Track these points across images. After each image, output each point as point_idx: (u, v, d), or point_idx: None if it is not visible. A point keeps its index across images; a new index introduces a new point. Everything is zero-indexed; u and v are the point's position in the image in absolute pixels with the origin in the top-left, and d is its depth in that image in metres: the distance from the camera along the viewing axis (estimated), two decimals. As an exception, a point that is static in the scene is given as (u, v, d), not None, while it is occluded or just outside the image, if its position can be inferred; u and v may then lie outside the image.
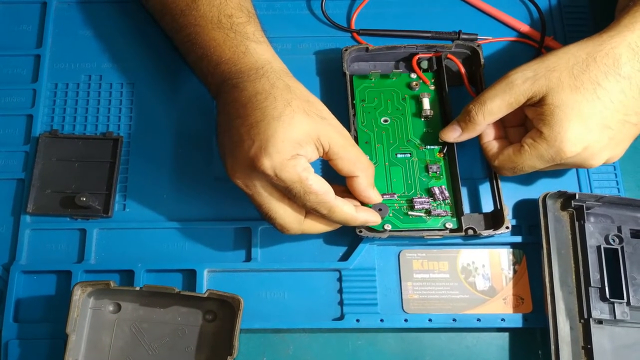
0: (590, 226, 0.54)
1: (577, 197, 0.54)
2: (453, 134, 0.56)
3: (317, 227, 0.52)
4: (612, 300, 0.52)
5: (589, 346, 0.51)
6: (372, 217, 0.52)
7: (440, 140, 0.57)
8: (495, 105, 0.52)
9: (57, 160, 0.59)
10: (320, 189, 0.48)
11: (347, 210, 0.50)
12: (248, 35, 0.54)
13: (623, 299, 0.52)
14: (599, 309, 0.52)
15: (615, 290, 0.52)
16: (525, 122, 0.56)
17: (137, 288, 0.51)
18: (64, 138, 0.60)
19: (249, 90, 0.50)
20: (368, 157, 0.54)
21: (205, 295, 0.51)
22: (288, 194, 0.49)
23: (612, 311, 0.52)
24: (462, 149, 0.58)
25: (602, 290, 0.52)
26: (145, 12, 0.64)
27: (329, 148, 0.50)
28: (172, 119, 0.61)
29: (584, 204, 0.54)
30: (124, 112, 0.62)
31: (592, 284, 0.52)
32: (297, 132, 0.48)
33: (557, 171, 0.59)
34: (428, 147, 0.58)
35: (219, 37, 0.54)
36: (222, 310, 0.52)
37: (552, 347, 0.51)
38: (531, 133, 0.52)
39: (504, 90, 0.52)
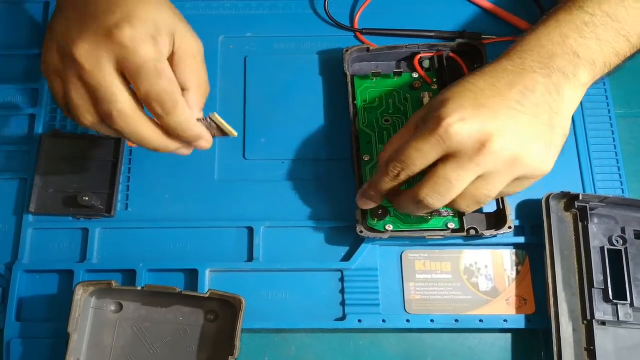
0: (593, 227, 0.54)
1: (580, 198, 0.54)
2: (368, 203, 0.53)
3: (145, 130, 0.47)
4: (615, 301, 0.52)
5: (591, 348, 0.51)
6: (206, 134, 0.49)
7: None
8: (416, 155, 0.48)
9: (60, 160, 0.59)
10: (173, 77, 0.46)
11: (189, 113, 0.47)
12: None
13: (626, 300, 0.52)
14: (602, 311, 0.52)
15: (619, 292, 0.52)
16: None
17: (139, 288, 0.51)
18: (66, 137, 0.60)
19: None
20: (208, 80, 0.51)
21: (207, 295, 0.51)
22: (136, 75, 0.44)
23: (616, 312, 0.52)
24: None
25: (605, 291, 0.52)
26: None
27: (179, 49, 0.48)
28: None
29: (587, 205, 0.54)
30: (127, 112, 0.62)
31: (595, 285, 0.52)
32: (161, 17, 0.46)
33: (560, 171, 0.58)
34: (430, 147, 0.58)
35: None
36: (224, 310, 0.52)
37: (555, 348, 0.51)
38: None
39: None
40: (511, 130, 0.46)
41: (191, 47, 0.48)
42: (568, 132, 0.49)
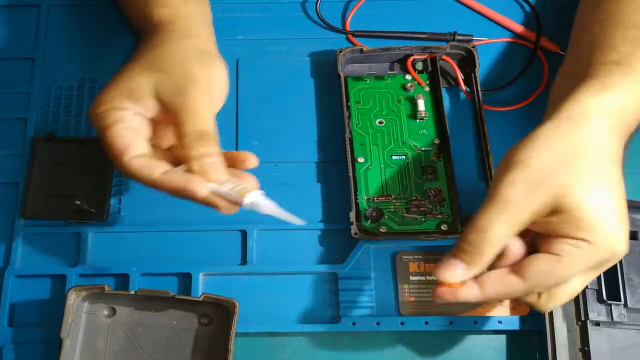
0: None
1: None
2: (456, 273, 0.44)
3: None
4: (609, 302, 0.52)
5: (586, 348, 0.51)
6: (181, 181, 0.45)
7: (439, 280, 0.45)
8: (499, 231, 0.42)
9: (52, 164, 0.59)
10: (113, 143, 0.46)
11: (144, 173, 0.46)
12: (153, 1, 0.54)
13: (620, 300, 0.52)
14: (596, 311, 0.52)
15: (612, 292, 0.52)
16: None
17: (132, 292, 0.51)
18: (58, 141, 0.59)
19: (138, 45, 0.52)
20: (201, 125, 0.47)
21: (201, 299, 0.51)
22: None
23: (609, 313, 0.52)
24: (458, 151, 0.58)
25: (598, 292, 0.52)
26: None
27: (165, 106, 0.47)
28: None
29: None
30: (119, 115, 0.61)
31: (588, 286, 0.52)
32: (124, 85, 0.47)
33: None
34: (423, 148, 0.58)
35: (134, 5, 0.57)
36: (218, 314, 0.52)
37: (550, 349, 0.51)
38: (561, 242, 0.43)
39: (503, 214, 0.42)
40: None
41: (173, 93, 0.47)
42: None
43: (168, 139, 0.50)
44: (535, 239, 0.45)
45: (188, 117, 0.46)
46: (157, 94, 0.47)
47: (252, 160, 0.49)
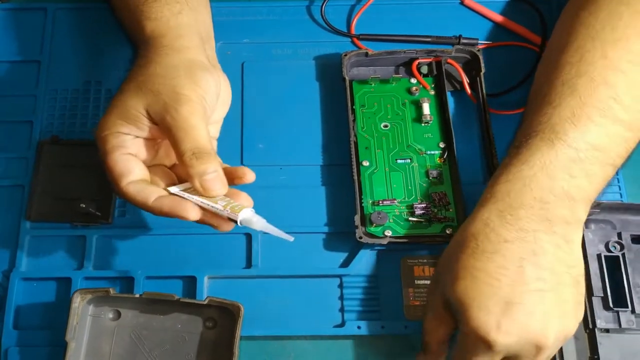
0: (589, 234, 0.54)
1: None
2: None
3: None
4: (615, 309, 0.51)
5: (595, 357, 0.51)
6: (172, 206, 0.47)
7: None
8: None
9: (58, 167, 0.59)
10: (112, 168, 0.47)
11: (139, 198, 0.47)
12: (143, 14, 0.54)
13: (627, 307, 0.51)
14: (603, 319, 0.52)
15: (619, 299, 0.52)
16: None
17: (137, 295, 0.51)
18: (64, 144, 0.60)
19: (134, 63, 0.52)
20: (198, 141, 0.47)
21: (206, 303, 0.51)
22: None
23: (617, 320, 0.51)
24: (463, 154, 0.58)
25: (604, 299, 0.52)
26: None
27: (159, 125, 0.48)
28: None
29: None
30: (124, 118, 0.61)
31: (594, 294, 0.52)
32: (121, 107, 0.48)
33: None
34: (428, 152, 0.58)
35: (126, 19, 0.58)
36: (223, 318, 0.52)
37: (559, 359, 0.51)
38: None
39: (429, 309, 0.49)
40: (552, 318, 0.44)
41: (167, 113, 0.47)
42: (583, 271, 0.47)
43: (171, 156, 0.51)
44: None
45: (182, 136, 0.47)
46: (150, 116, 0.48)
47: (249, 176, 0.50)
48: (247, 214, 0.47)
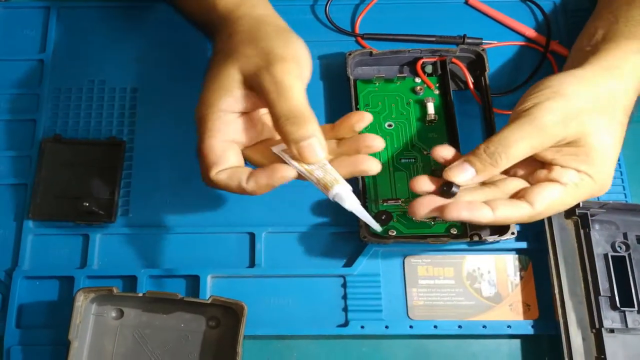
0: (596, 234, 0.54)
1: (581, 205, 0.54)
2: (464, 175, 0.47)
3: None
4: (622, 309, 0.51)
5: (602, 357, 0.50)
6: (265, 177, 0.45)
7: (446, 178, 0.48)
8: (521, 149, 0.46)
9: (61, 165, 0.59)
10: (205, 156, 0.46)
11: (233, 184, 0.46)
12: None
13: (634, 307, 0.51)
14: (610, 319, 0.51)
15: (626, 299, 0.52)
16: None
17: (140, 294, 0.51)
18: (67, 143, 0.60)
19: (216, 39, 0.52)
20: (294, 102, 0.45)
21: (209, 302, 0.51)
22: None
23: (624, 320, 0.51)
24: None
25: (612, 299, 0.52)
26: (150, 16, 0.65)
27: (255, 88, 0.46)
28: (176, 123, 0.61)
29: (588, 212, 0.54)
30: (127, 117, 0.61)
31: (601, 293, 0.52)
32: (216, 80, 0.47)
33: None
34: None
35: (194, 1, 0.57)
36: (226, 317, 0.52)
37: (566, 358, 0.51)
38: (569, 173, 0.47)
39: (533, 135, 0.46)
40: None
41: (262, 79, 0.45)
42: None
43: (266, 131, 0.49)
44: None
45: (276, 98, 0.44)
46: (244, 80, 0.46)
47: (366, 118, 0.47)
48: (341, 190, 0.45)
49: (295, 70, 0.46)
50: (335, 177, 0.45)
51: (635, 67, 0.50)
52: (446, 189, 0.47)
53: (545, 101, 0.47)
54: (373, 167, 0.46)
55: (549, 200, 0.47)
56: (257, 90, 0.46)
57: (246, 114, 0.48)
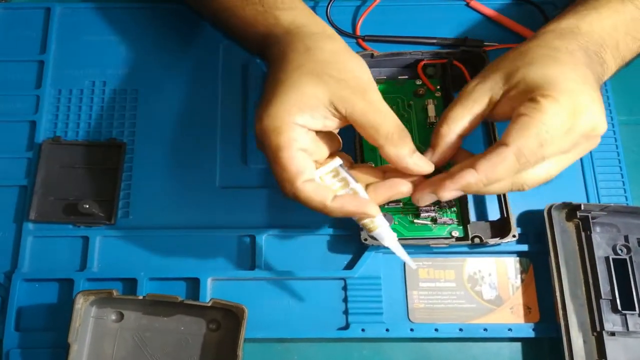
0: (597, 237, 0.53)
1: (582, 207, 0.54)
2: (424, 164, 0.48)
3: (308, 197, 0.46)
4: (624, 312, 0.51)
5: (603, 359, 0.50)
6: (352, 206, 0.46)
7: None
8: (457, 112, 0.47)
9: (60, 167, 0.59)
10: (288, 165, 0.44)
11: (318, 198, 0.45)
12: (276, 5, 0.53)
13: (635, 310, 0.51)
14: (611, 321, 0.51)
15: (627, 302, 0.52)
16: None
17: (140, 297, 0.51)
18: (67, 144, 0.59)
19: (274, 56, 0.50)
20: (396, 121, 0.47)
21: (209, 305, 0.50)
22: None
23: (625, 323, 0.51)
24: (468, 157, 0.58)
25: (613, 302, 0.52)
26: (151, 17, 0.65)
27: (346, 113, 0.46)
28: (176, 125, 0.61)
29: (589, 214, 0.54)
30: (128, 118, 0.61)
31: (602, 296, 0.52)
32: (299, 96, 0.46)
33: (563, 180, 0.57)
34: (434, 154, 0.58)
35: (250, 14, 0.53)
36: (226, 320, 0.52)
37: (568, 361, 0.51)
38: (527, 104, 0.44)
39: (463, 98, 0.48)
40: None
41: (356, 106, 0.46)
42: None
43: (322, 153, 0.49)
44: None
45: (382, 119, 0.46)
46: (335, 104, 0.46)
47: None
48: (383, 230, 0.47)
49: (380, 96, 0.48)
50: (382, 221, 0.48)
51: (591, 27, 0.50)
52: None
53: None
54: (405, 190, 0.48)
55: (519, 131, 0.43)
56: (350, 114, 0.46)
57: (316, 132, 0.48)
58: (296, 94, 0.46)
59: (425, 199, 0.47)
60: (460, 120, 0.47)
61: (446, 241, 0.54)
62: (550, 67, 0.45)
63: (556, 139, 0.44)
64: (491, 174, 0.44)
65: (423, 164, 0.47)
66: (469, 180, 0.45)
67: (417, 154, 0.47)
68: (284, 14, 0.52)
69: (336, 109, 0.46)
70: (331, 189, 0.47)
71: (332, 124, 0.47)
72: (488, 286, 0.55)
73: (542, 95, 0.44)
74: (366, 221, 0.47)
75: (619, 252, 0.53)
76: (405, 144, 0.47)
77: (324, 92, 0.46)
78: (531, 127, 0.43)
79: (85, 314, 0.51)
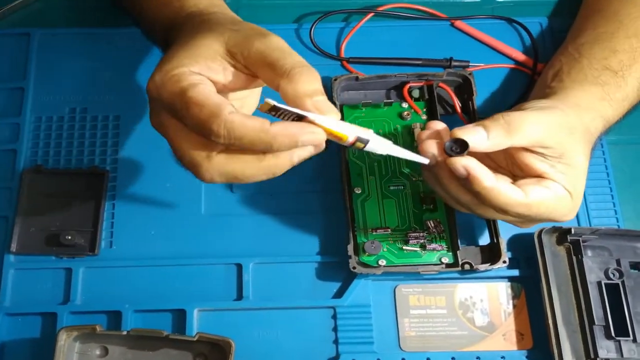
0: (588, 261, 0.53)
1: (572, 231, 0.53)
2: (475, 136, 0.46)
3: (233, 165, 0.41)
4: (617, 338, 0.51)
5: (598, 387, 0.50)
6: (291, 130, 0.39)
7: (454, 136, 0.46)
8: (536, 131, 0.47)
9: (42, 197, 0.57)
10: (204, 99, 0.38)
11: (253, 123, 0.38)
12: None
13: (629, 336, 0.51)
14: (605, 348, 0.51)
15: (620, 328, 0.51)
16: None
17: (124, 332, 0.50)
18: (48, 173, 0.58)
19: (173, 38, 0.46)
20: (300, 60, 0.40)
21: (195, 339, 0.49)
22: (176, 116, 0.40)
23: (619, 349, 0.51)
24: (457, 180, 0.57)
25: (606, 328, 0.51)
26: (131, 41, 0.64)
27: (243, 58, 0.41)
28: (159, 152, 0.60)
29: (580, 238, 0.53)
30: (110, 146, 0.60)
31: (595, 322, 0.51)
32: (192, 49, 0.41)
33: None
34: (421, 178, 0.57)
35: (155, 5, 0.52)
36: (213, 353, 0.50)
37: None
38: (557, 185, 0.48)
39: (547, 124, 0.47)
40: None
41: (254, 46, 0.40)
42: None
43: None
44: None
45: (281, 54, 0.40)
46: (232, 50, 0.41)
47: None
48: (373, 137, 0.42)
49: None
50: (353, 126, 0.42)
51: (599, 113, 0.52)
52: (454, 149, 0.46)
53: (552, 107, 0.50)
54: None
55: (541, 195, 0.47)
56: (247, 58, 0.41)
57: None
58: (190, 48, 0.41)
59: (428, 144, 0.47)
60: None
61: (436, 268, 0.54)
62: (583, 163, 0.49)
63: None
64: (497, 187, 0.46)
65: (326, 107, 0.40)
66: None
67: (324, 97, 0.40)
68: (191, 3, 0.49)
69: (233, 57, 0.41)
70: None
71: (236, 79, 0.42)
72: (480, 312, 0.54)
73: (569, 191, 0.48)
74: (350, 140, 0.41)
75: (611, 276, 0.53)
76: (306, 82, 0.39)
77: (220, 43, 0.41)
78: (552, 200, 0.47)
79: (69, 350, 0.50)
